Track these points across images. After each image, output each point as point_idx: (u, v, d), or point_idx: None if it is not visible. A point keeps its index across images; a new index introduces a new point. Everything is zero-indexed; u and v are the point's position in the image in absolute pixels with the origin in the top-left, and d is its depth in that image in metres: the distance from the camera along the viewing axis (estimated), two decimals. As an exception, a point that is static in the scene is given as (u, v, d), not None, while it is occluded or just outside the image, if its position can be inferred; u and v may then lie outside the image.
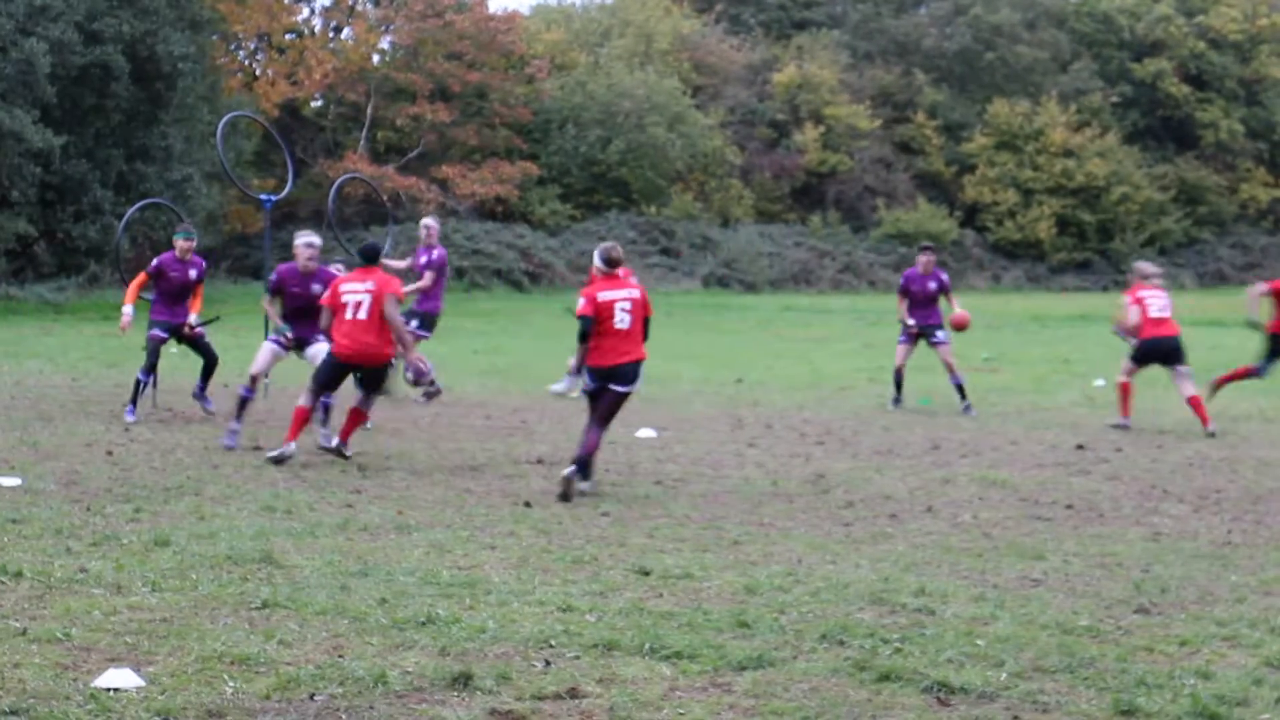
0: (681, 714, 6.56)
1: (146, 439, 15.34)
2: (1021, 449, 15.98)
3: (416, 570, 9.18)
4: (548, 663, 7.25)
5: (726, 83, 67.20)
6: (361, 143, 56.98)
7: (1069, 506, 12.19)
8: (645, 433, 16.57)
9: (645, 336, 12.84)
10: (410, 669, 7.08)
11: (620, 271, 12.89)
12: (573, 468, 12.28)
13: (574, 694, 6.78)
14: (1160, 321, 17.70)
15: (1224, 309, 44.11)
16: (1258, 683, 7.07)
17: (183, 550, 9.62)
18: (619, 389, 12.65)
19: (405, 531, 10.52)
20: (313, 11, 61.09)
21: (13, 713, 6.33)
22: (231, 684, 6.79)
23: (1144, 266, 18.59)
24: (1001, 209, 67.48)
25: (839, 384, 23.05)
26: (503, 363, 26.36)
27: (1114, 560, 9.96)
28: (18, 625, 7.68)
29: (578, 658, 7.36)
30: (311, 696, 6.65)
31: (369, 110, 57.20)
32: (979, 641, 7.73)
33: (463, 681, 6.87)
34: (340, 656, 7.26)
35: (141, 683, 6.73)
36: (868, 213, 65.77)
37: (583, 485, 12.42)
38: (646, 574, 9.24)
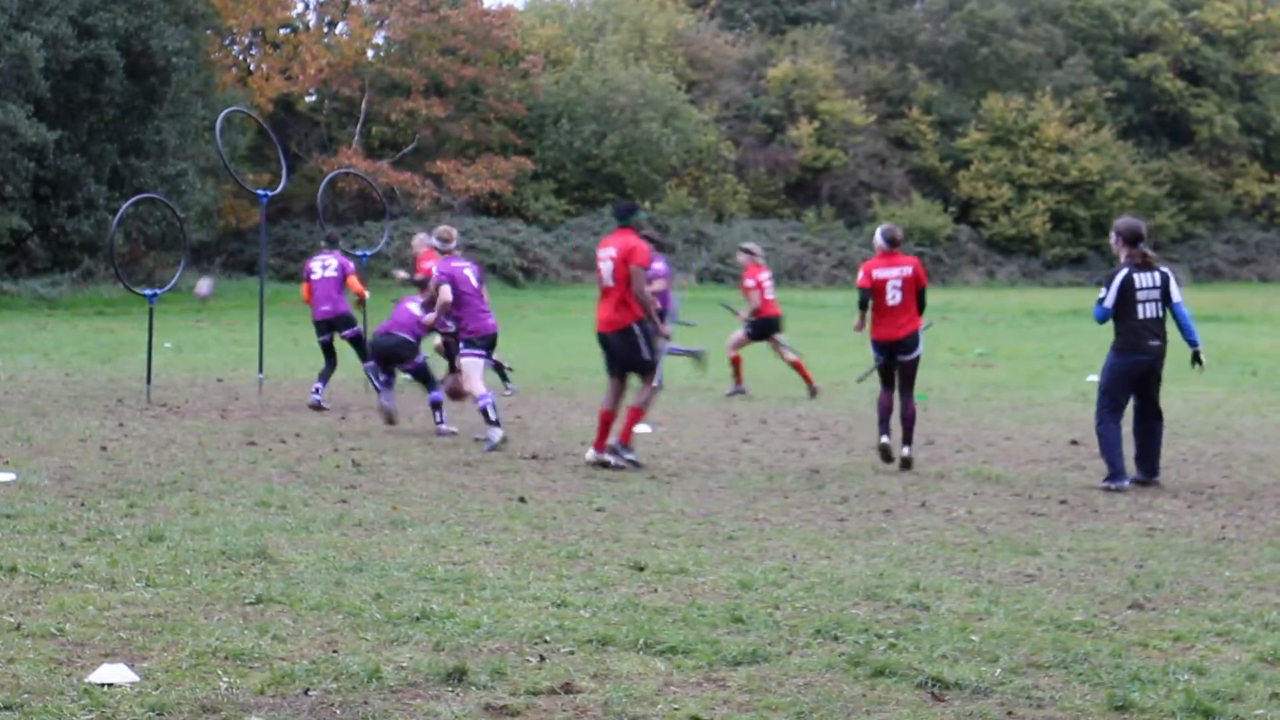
0: (676, 709, 6.56)
1: (141, 434, 15.35)
2: (1016, 444, 15.99)
3: (411, 565, 9.18)
4: (542, 658, 7.25)
5: (721, 78, 67.22)
6: (356, 138, 56.96)
7: (1063, 502, 12.18)
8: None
9: (921, 307, 14.23)
10: (405, 664, 7.08)
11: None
12: (907, 449, 13.91)
13: (568, 689, 6.77)
14: None
15: (1218, 304, 44.13)
16: (1251, 678, 7.07)
17: (177, 545, 9.62)
18: (905, 358, 14.13)
19: (400, 527, 10.52)
20: (307, 6, 61.09)
21: (7, 708, 6.33)
22: (226, 679, 6.79)
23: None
24: (996, 204, 67.55)
25: (833, 379, 23.05)
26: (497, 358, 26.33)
27: (1108, 555, 9.96)
28: (12, 620, 7.68)
29: (572, 653, 7.36)
30: (306, 692, 6.65)
31: (364, 105, 57.17)
32: (973, 637, 7.73)
33: (457, 677, 6.86)
34: (335, 652, 7.26)
35: (135, 678, 6.73)
36: (862, 208, 65.79)
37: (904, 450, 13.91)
38: (641, 569, 9.24)
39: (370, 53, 58.81)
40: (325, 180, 23.86)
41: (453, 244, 16.06)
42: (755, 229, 61.68)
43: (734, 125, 65.89)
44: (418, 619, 7.89)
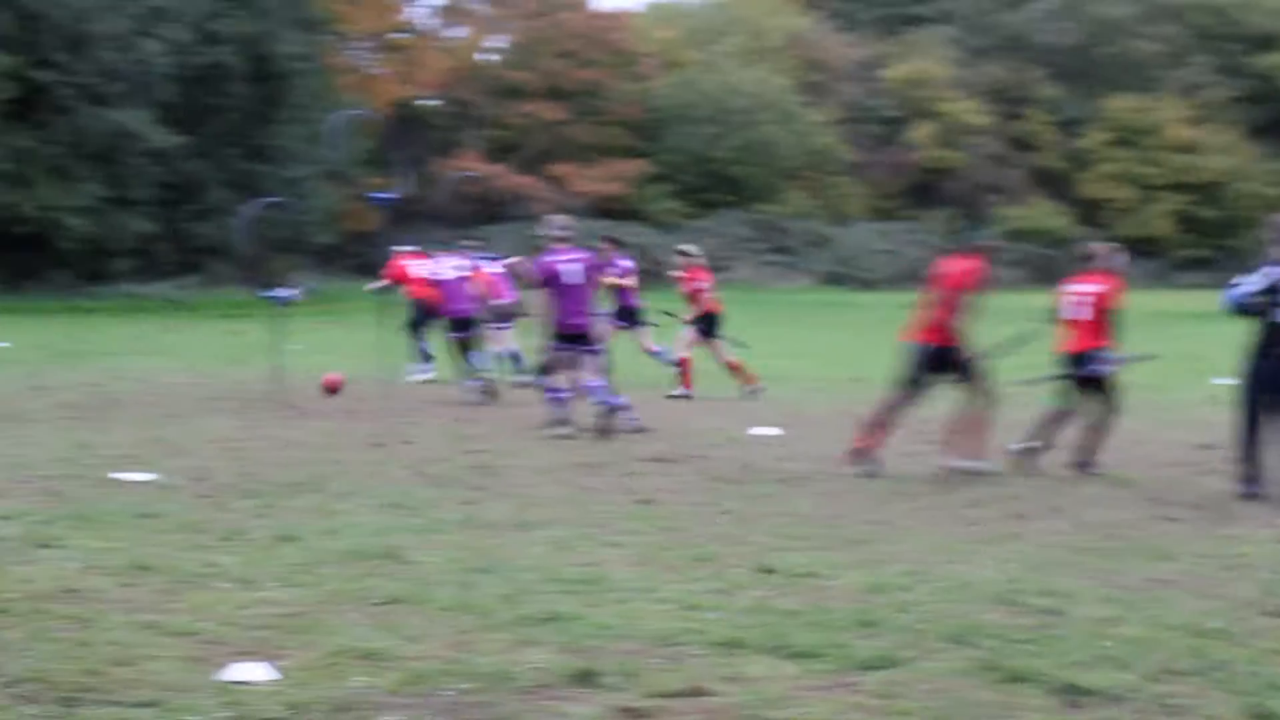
0: (807, 713, 6.52)
1: (271, 435, 15.50)
2: (1147, 448, 15.77)
3: (539, 567, 9.19)
4: (672, 660, 7.23)
5: (838, 80, 67.04)
6: (475, 141, 57.24)
7: (1197, 507, 12.00)
8: (765, 430, 16.51)
9: (1107, 328, 14.06)
10: (535, 665, 7.08)
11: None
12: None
13: (699, 692, 6.75)
14: None
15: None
16: (1396, 686, 6.94)
17: (308, 546, 9.70)
18: (1083, 372, 14.05)
19: (527, 528, 10.53)
20: (427, 11, 61.54)
21: (145, 705, 6.40)
22: (359, 678, 6.82)
23: None
24: (1120, 205, 66.75)
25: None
26: (620, 361, 26.36)
27: (1243, 561, 9.80)
28: (150, 619, 7.76)
29: (702, 655, 7.33)
30: (438, 692, 6.67)
31: (482, 109, 57.44)
32: (1107, 643, 7.62)
33: (587, 678, 6.86)
34: (465, 652, 7.28)
35: (271, 676, 6.78)
36: (983, 208, 65.26)
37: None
38: (770, 572, 9.20)
39: (489, 57, 59.10)
40: (447, 184, 23.99)
41: (566, 233, 16.53)
42: (876, 230, 61.42)
43: (851, 127, 65.66)
44: (547, 620, 7.89)
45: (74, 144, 39.35)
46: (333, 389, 19.49)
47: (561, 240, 16.46)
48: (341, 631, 7.59)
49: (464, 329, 20.37)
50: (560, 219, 16.91)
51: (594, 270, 16.73)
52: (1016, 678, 7.03)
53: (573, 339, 16.31)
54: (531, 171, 55.55)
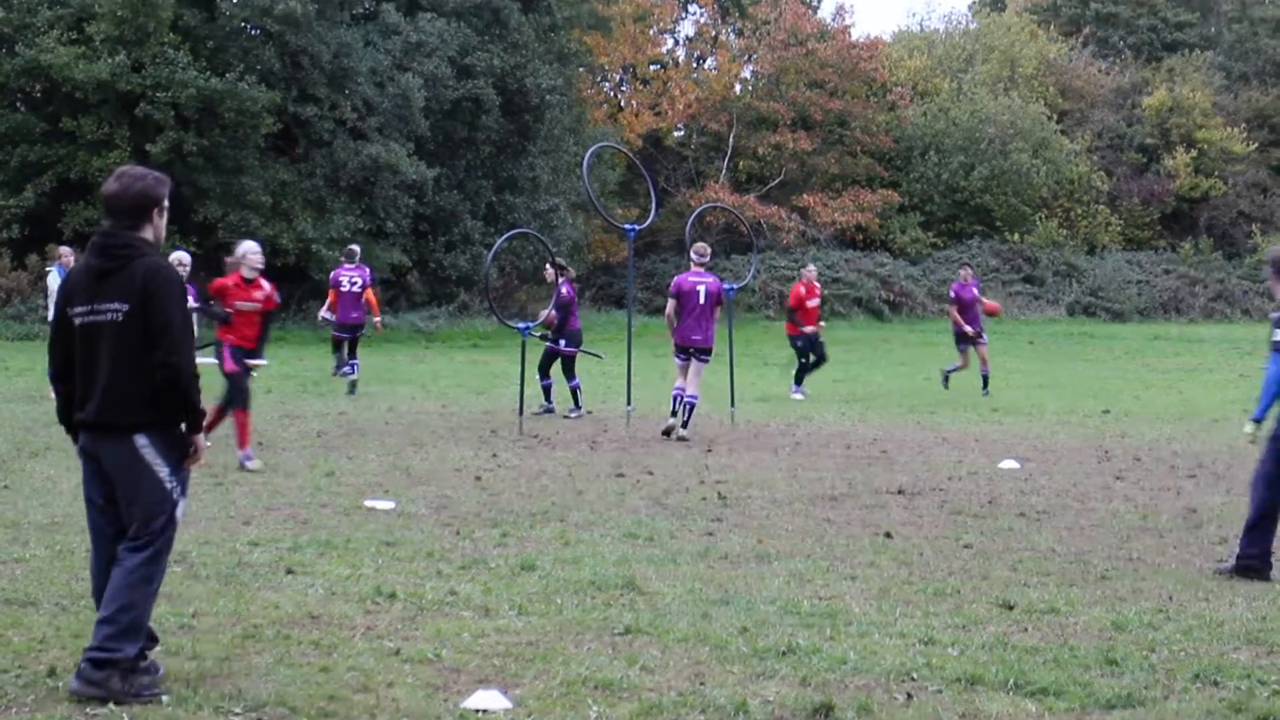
0: (1047, 753, 6.41)
1: (513, 465, 15.68)
2: None
3: (777, 599, 9.17)
4: (909, 696, 7.16)
5: (1094, 107, 65.89)
6: (723, 172, 57.42)
7: None
8: (1009, 464, 16.30)
9: None
10: (771, 698, 7.06)
11: None
12: None
13: (936, 729, 6.68)
14: None
15: None
16: None
17: (548, 575, 9.79)
18: None
19: (765, 560, 10.52)
20: (676, 43, 61.94)
21: (385, 729, 6.52)
22: (596, 708, 6.87)
23: None
24: (1386, 235, 64.69)
25: (1211, 415, 22.35)
26: (863, 391, 26.25)
27: None
28: (391, 645, 7.90)
29: (940, 692, 7.25)
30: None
31: (730, 139, 57.62)
32: (1363, 687, 7.38)
33: (824, 713, 6.83)
34: (702, 684, 7.28)
35: (509, 704, 6.86)
36: (1242, 239, 63.64)
37: None
38: (1010, 608, 9.07)
39: (738, 87, 59.28)
40: (693, 214, 24.13)
41: (704, 258, 19.17)
42: (1128, 261, 60.21)
43: (1106, 155, 64.46)
44: (784, 653, 7.87)
45: (331, 177, 40.31)
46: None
47: (699, 264, 19.05)
48: (578, 661, 7.65)
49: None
50: (700, 246, 19.28)
51: (717, 293, 18.93)
52: (1267, 719, 6.83)
53: (689, 350, 18.87)
54: (778, 202, 55.50)
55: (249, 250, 15.56)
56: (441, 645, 7.92)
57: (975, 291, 25.92)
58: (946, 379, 26.12)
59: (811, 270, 25.88)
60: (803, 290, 25.08)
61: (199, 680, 7.19)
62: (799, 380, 25.09)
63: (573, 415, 20.98)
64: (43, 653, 7.61)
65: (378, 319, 25.10)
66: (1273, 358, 10.70)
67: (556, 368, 21.53)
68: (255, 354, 15.36)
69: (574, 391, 21.30)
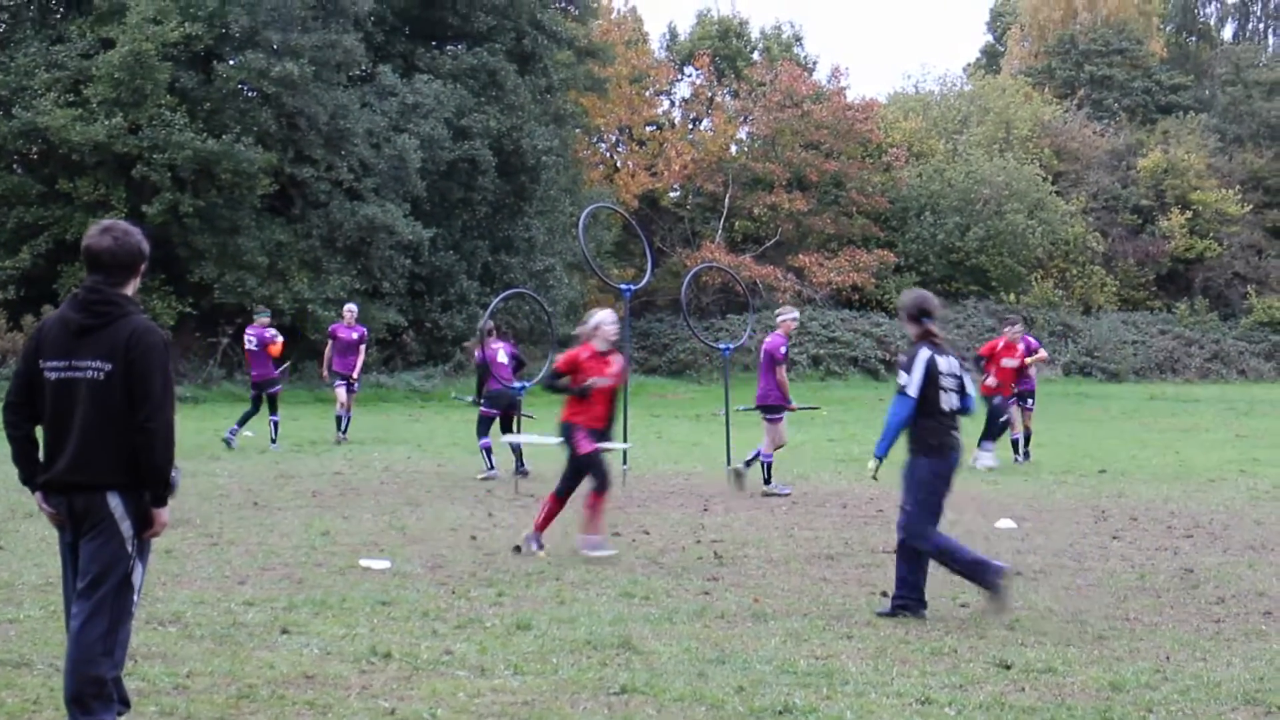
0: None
1: (509, 524, 15.66)
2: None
3: (773, 659, 9.15)
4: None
5: (1089, 168, 66.09)
6: (719, 232, 57.58)
7: None
8: (1005, 523, 16.28)
9: None
10: (766, 758, 7.04)
11: None
12: None
13: (933, 789, 6.65)
14: None
15: None
16: None
17: (543, 634, 9.77)
18: None
19: (762, 620, 10.50)
20: (672, 104, 62.21)
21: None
22: (589, 768, 6.84)
23: None
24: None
25: (1208, 475, 22.32)
26: (859, 451, 26.22)
27: None
28: (386, 705, 7.88)
29: (936, 752, 7.23)
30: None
31: (726, 200, 57.79)
32: (1362, 747, 7.36)
33: (819, 772, 6.80)
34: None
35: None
36: (1237, 300, 63.76)
37: None
38: (1007, 667, 9.05)
39: (733, 148, 59.51)
40: (689, 275, 24.17)
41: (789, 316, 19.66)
42: (1124, 321, 60.33)
43: (1102, 216, 64.65)
44: (780, 713, 7.85)
45: (328, 238, 40.36)
46: None
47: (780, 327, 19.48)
48: (573, 720, 7.63)
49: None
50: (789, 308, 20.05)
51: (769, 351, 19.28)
52: (1263, 781, 6.82)
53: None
54: (774, 262, 55.62)
55: (604, 321, 14.05)
56: (437, 705, 7.90)
57: (1022, 348, 23.71)
58: (1015, 446, 24.03)
59: (1018, 329, 23.63)
60: (999, 345, 23.25)
61: (192, 740, 7.16)
62: (993, 437, 22.94)
63: (484, 475, 20.47)
64: (36, 714, 7.59)
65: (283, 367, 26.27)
66: (897, 399, 11.03)
67: (497, 428, 21.16)
68: (606, 435, 13.93)
69: (484, 451, 20.93)
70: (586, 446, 13.57)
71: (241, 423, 24.66)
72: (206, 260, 38.41)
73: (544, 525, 13.79)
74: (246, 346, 25.11)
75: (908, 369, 10.97)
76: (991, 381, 22.89)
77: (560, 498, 13.82)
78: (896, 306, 12.10)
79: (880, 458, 11.11)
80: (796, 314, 20.35)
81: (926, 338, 11.13)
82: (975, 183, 59.55)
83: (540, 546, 13.62)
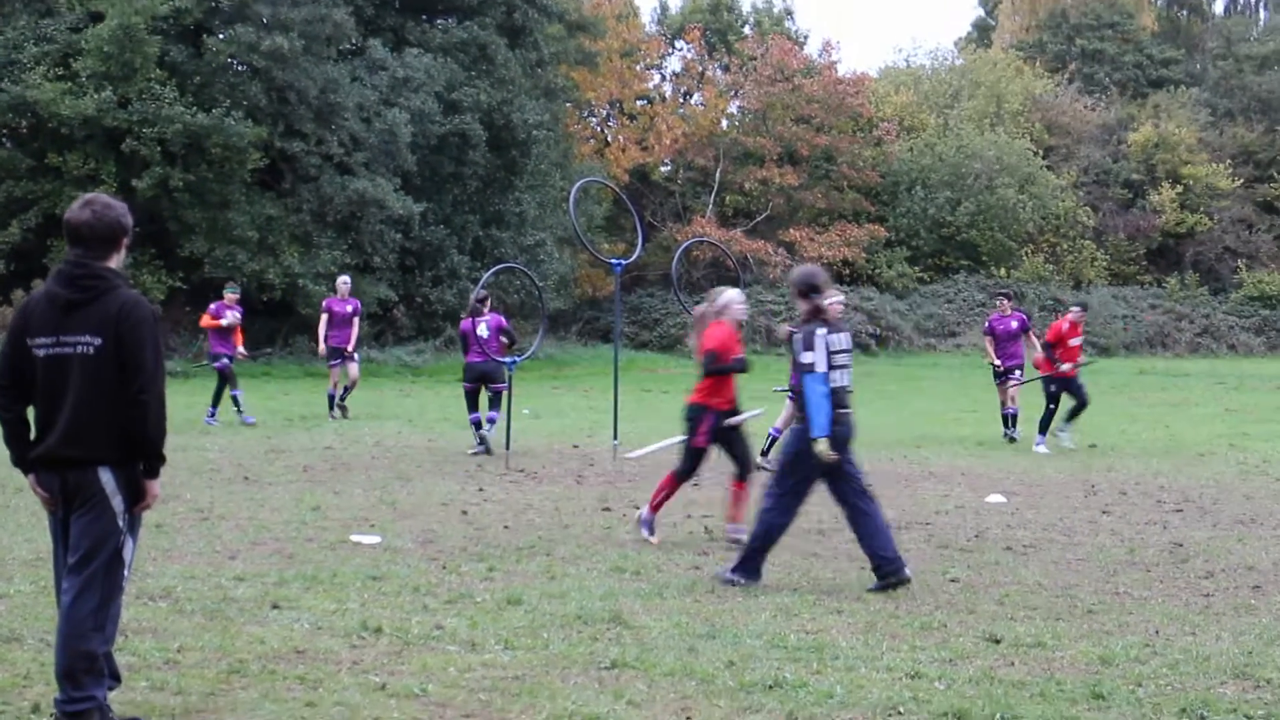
0: (1034, 787, 6.40)
1: (499, 499, 15.66)
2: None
3: (763, 633, 9.16)
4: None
5: (1079, 143, 66.07)
6: (709, 206, 57.53)
7: None
8: (995, 498, 16.30)
9: None
10: (757, 733, 7.05)
11: None
12: None
13: (922, 763, 6.67)
14: None
15: None
16: None
17: (534, 609, 9.78)
18: None
19: (752, 594, 10.51)
20: (663, 78, 62.12)
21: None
22: (580, 742, 6.85)
23: None
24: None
25: (1197, 450, 22.36)
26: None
27: None
28: (377, 680, 7.89)
29: (926, 726, 7.24)
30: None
31: (717, 174, 57.75)
32: (1350, 721, 7.37)
33: (809, 747, 6.81)
34: (689, 718, 7.28)
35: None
36: (1227, 274, 63.77)
37: None
38: (997, 642, 9.06)
39: (724, 123, 59.44)
40: (680, 249, 24.13)
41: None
42: (1114, 296, 60.34)
43: (1092, 190, 64.63)
44: (770, 687, 7.86)
45: (318, 212, 40.28)
46: None
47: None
48: (564, 695, 7.63)
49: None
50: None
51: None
52: (1252, 755, 6.83)
53: None
54: (764, 237, 55.59)
55: (734, 300, 13.50)
56: (428, 680, 7.90)
57: (1015, 325, 24.04)
58: (1005, 422, 24.10)
59: (1078, 311, 23.52)
60: (1064, 327, 22.94)
61: (184, 716, 7.17)
62: (1044, 429, 22.63)
63: (475, 450, 20.45)
64: (27, 689, 7.59)
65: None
66: (807, 380, 11.01)
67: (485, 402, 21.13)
68: (735, 414, 13.46)
69: (474, 426, 20.87)
70: (703, 441, 13.27)
71: (216, 402, 24.47)
72: (197, 235, 38.36)
73: (737, 512, 13.34)
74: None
75: (809, 346, 10.99)
76: (1066, 367, 22.64)
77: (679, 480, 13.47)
78: (787, 282, 12.06)
79: (825, 436, 10.94)
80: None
81: (817, 314, 11.18)
82: (966, 157, 59.52)
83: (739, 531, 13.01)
